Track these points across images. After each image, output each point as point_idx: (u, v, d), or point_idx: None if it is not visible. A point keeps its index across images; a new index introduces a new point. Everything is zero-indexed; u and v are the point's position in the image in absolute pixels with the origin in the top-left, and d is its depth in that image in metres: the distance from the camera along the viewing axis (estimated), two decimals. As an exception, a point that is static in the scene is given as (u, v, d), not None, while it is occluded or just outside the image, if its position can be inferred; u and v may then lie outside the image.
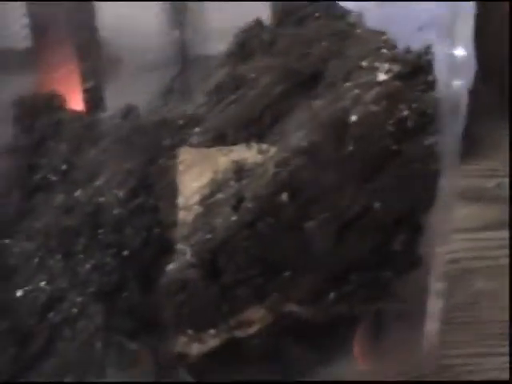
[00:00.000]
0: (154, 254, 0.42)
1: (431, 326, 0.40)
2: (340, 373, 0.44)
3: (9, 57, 0.49)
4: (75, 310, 0.43)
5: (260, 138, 0.38)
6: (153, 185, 0.44)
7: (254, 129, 0.39)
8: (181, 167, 0.38)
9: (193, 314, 0.37)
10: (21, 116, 0.47)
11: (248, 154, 0.38)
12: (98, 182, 0.45)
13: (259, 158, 0.37)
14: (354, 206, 0.35)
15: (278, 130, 0.37)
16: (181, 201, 0.38)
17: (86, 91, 0.50)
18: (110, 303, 0.43)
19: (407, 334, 0.43)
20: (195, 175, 0.38)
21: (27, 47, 0.50)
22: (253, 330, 0.37)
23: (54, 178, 0.46)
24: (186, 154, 0.38)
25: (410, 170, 0.35)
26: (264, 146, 0.38)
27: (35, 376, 0.41)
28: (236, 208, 0.36)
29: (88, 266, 0.44)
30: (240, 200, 0.36)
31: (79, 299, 0.43)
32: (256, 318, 0.37)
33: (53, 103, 0.48)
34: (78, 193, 0.45)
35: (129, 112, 0.48)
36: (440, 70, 0.39)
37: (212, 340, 0.37)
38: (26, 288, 0.43)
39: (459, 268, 0.56)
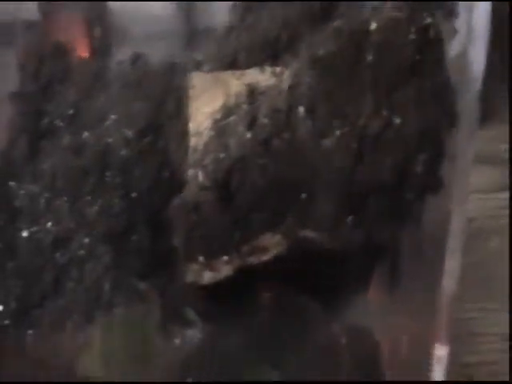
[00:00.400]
0: (163, 196, 0.40)
1: (447, 281, 0.38)
2: (354, 314, 0.42)
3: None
4: (82, 251, 0.41)
5: (274, 61, 0.37)
6: (162, 126, 0.43)
7: (267, 53, 0.37)
8: (192, 93, 0.37)
9: (205, 239, 0.35)
10: (27, 62, 0.46)
11: (261, 77, 0.36)
12: (107, 123, 0.44)
13: (273, 80, 0.36)
14: (373, 120, 0.34)
15: (293, 52, 0.36)
16: (192, 127, 0.37)
17: (93, 39, 0.49)
18: (119, 245, 0.42)
19: (423, 286, 0.42)
20: (207, 100, 0.37)
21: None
22: (267, 256, 0.35)
23: (61, 124, 0.45)
24: (197, 79, 0.37)
25: (433, 84, 0.33)
26: (278, 69, 0.36)
27: (43, 315, 0.39)
28: (250, 126, 0.34)
29: (95, 207, 0.43)
30: (254, 119, 0.34)
31: (87, 240, 0.42)
32: (270, 244, 0.35)
33: (60, 50, 0.47)
34: (85, 134, 0.44)
35: (137, 59, 0.46)
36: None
37: (224, 267, 0.35)
38: (32, 229, 0.42)
39: (474, 227, 0.56)
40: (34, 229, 0.42)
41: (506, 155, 0.62)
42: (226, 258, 0.35)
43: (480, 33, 0.37)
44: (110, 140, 0.43)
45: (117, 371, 0.37)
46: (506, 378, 0.47)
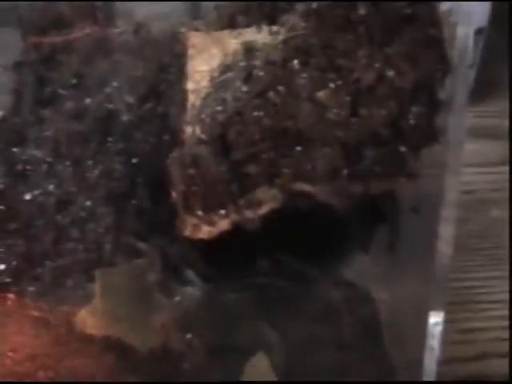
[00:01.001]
0: (163, 160, 0.41)
1: (442, 248, 0.38)
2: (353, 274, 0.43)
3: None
4: (83, 213, 0.42)
5: (271, 21, 0.38)
6: (163, 91, 0.44)
7: (265, 14, 0.38)
8: (190, 52, 0.38)
9: (202, 192, 0.36)
10: (29, 31, 0.47)
11: (258, 36, 0.37)
12: (108, 89, 0.45)
13: (270, 38, 0.36)
14: (367, 73, 0.34)
15: (290, 12, 0.37)
16: (190, 85, 0.37)
17: (96, 8, 0.49)
18: (119, 207, 0.43)
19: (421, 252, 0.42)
20: (205, 59, 0.37)
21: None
22: (263, 210, 0.35)
23: (63, 92, 0.46)
24: (195, 38, 0.38)
25: (425, 36, 0.34)
26: (275, 28, 0.37)
27: (44, 273, 0.40)
28: (246, 80, 0.35)
29: (97, 171, 0.43)
30: (250, 73, 0.35)
31: (88, 203, 0.42)
32: (267, 197, 0.36)
33: (62, 20, 0.48)
34: (87, 100, 0.44)
35: (139, 28, 0.47)
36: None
37: (221, 221, 0.36)
38: (35, 192, 0.43)
39: (475, 198, 0.57)
40: (36, 192, 0.42)
41: (507, 131, 0.62)
42: (223, 211, 0.35)
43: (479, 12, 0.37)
44: (111, 106, 0.43)
45: (117, 327, 0.38)
46: (506, 345, 0.47)
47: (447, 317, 0.46)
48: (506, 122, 0.64)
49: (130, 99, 0.43)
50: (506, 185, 0.58)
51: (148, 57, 0.44)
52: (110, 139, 0.43)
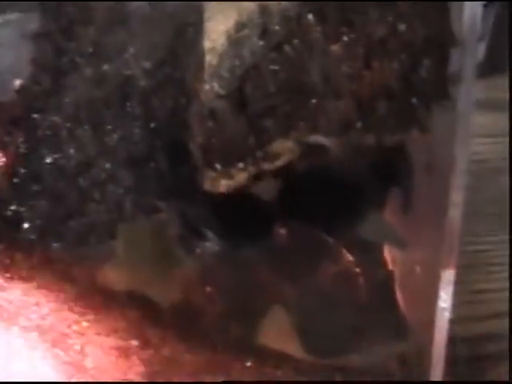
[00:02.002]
0: (181, 124, 0.42)
1: (453, 213, 0.40)
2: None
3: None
4: (104, 176, 0.44)
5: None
6: (180, 56, 0.45)
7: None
8: (206, 15, 0.39)
9: (221, 146, 0.37)
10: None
11: (273, -4, 0.38)
12: (126, 56, 0.46)
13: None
14: (379, 27, 0.36)
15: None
16: (207, 44, 0.39)
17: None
18: (139, 170, 0.44)
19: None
20: (221, 20, 0.39)
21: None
22: (280, 162, 0.37)
23: (81, 61, 0.47)
24: (211, 3, 0.39)
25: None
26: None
27: (67, 230, 0.42)
28: (262, 35, 0.36)
29: (116, 136, 0.45)
30: (266, 28, 0.36)
31: (108, 166, 0.44)
32: (283, 149, 0.37)
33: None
34: (105, 67, 0.46)
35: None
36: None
37: (240, 174, 0.37)
38: (56, 156, 0.44)
39: (486, 167, 0.58)
40: (57, 155, 0.44)
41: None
42: (241, 164, 0.36)
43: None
44: (129, 72, 0.45)
45: (139, 282, 0.39)
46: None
47: (460, 278, 0.48)
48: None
49: (147, 64, 0.44)
50: (514, 154, 0.60)
51: (164, 23, 0.45)
52: (128, 104, 0.44)
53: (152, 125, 0.44)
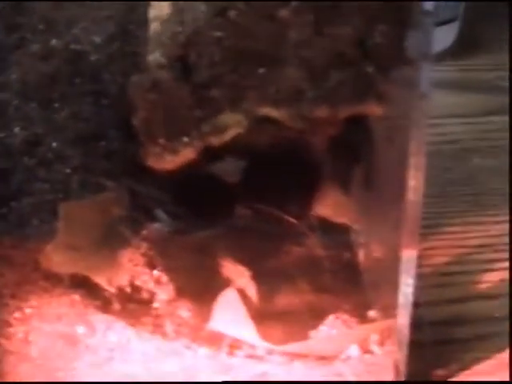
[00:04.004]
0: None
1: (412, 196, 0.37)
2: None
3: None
4: (51, 155, 0.41)
5: None
6: (131, 31, 0.42)
7: None
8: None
9: (164, 119, 0.34)
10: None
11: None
12: (75, 31, 0.43)
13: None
14: (330, -11, 0.32)
15: None
16: (152, 13, 0.36)
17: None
18: (88, 149, 0.41)
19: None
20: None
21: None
22: (228, 136, 0.34)
23: (31, 37, 0.45)
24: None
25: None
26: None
27: (9, 212, 0.39)
28: (206, -1, 0.33)
29: (64, 113, 0.42)
30: (210, -7, 0.33)
31: (55, 144, 0.41)
32: (231, 122, 0.34)
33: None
34: (54, 41, 0.43)
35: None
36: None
37: (185, 149, 0.34)
38: (1, 134, 0.41)
39: (457, 148, 0.56)
40: (3, 134, 0.41)
41: (496, 82, 0.61)
42: (186, 138, 0.33)
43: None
44: (78, 46, 0.42)
45: (83, 264, 0.36)
46: (486, 288, 0.46)
47: (428, 260, 0.45)
48: (490, 75, 0.63)
49: (98, 39, 0.41)
50: (488, 135, 0.58)
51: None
52: (77, 80, 0.41)
53: (103, 101, 0.41)
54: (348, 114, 0.34)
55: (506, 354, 0.41)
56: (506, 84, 0.62)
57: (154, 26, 0.36)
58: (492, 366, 0.41)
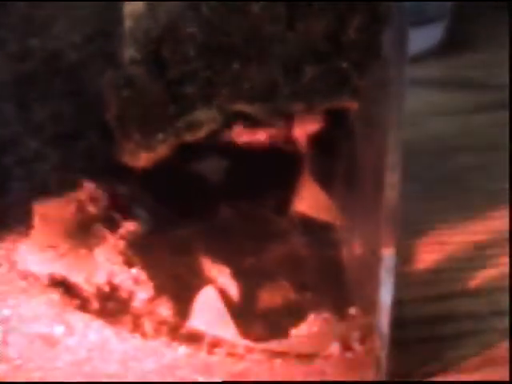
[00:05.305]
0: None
1: (389, 193, 0.37)
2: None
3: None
4: (29, 154, 0.41)
5: None
6: (110, 30, 0.42)
7: None
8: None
9: (138, 115, 0.34)
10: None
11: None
12: (54, 30, 0.43)
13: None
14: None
15: None
16: (127, 8, 0.36)
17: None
18: (67, 148, 0.41)
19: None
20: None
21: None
22: (203, 132, 0.34)
23: (9, 35, 0.45)
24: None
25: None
26: None
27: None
28: (179, -6, 0.33)
29: (43, 113, 0.42)
30: (183, -12, 0.33)
31: (34, 144, 0.41)
32: (206, 118, 0.34)
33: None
34: (32, 41, 0.43)
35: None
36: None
37: (160, 146, 0.34)
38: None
39: (444, 145, 0.56)
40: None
41: (482, 80, 0.62)
42: (161, 135, 0.33)
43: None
44: (57, 45, 0.42)
45: (60, 263, 0.37)
46: (472, 284, 0.46)
47: (413, 258, 0.45)
48: (477, 73, 0.64)
49: (77, 38, 0.41)
50: (475, 132, 0.57)
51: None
52: (56, 79, 0.41)
53: (81, 101, 0.41)
54: (323, 108, 0.34)
55: (490, 352, 0.41)
56: (491, 82, 0.62)
57: (128, 22, 0.36)
58: (477, 363, 0.41)
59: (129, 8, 0.36)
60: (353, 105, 0.34)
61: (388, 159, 0.36)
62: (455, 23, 0.69)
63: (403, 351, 0.41)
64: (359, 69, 0.34)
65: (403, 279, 0.40)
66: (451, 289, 0.46)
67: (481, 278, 0.46)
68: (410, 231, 0.47)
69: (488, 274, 0.46)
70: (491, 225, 0.49)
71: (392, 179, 0.35)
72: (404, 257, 0.43)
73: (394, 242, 0.37)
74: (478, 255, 0.48)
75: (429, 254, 0.48)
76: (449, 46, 0.69)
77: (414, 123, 0.54)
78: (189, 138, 0.34)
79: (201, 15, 0.33)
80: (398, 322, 0.39)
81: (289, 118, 0.35)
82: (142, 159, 0.35)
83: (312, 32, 0.33)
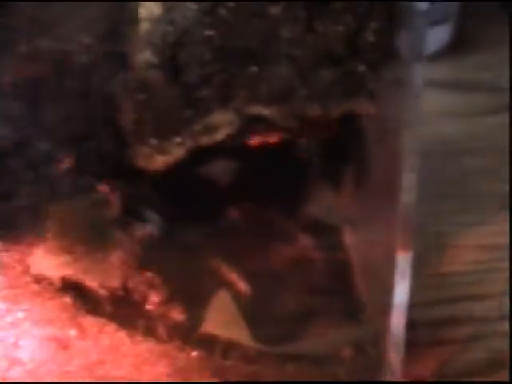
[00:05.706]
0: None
1: (406, 196, 0.37)
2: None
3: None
4: (40, 157, 0.41)
5: None
6: (122, 31, 0.42)
7: None
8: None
9: (155, 119, 0.34)
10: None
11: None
12: (64, 30, 0.43)
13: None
14: (321, -14, 0.33)
15: None
16: (142, 12, 0.36)
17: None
18: (78, 150, 0.41)
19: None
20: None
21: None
22: (220, 135, 0.34)
23: (17, 37, 0.45)
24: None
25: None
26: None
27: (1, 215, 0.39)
28: (195, -3, 0.33)
29: (54, 114, 0.42)
30: (200, -8, 0.33)
31: (44, 146, 0.41)
32: (222, 121, 0.34)
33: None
34: (43, 42, 0.43)
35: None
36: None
37: (177, 149, 0.34)
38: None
39: (450, 148, 0.56)
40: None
41: (490, 82, 0.62)
42: (178, 139, 0.33)
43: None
44: (68, 47, 0.42)
45: (74, 267, 0.36)
46: (480, 288, 0.46)
47: (422, 261, 0.45)
48: (484, 75, 0.64)
49: (88, 40, 0.41)
50: (482, 135, 0.57)
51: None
52: (67, 80, 0.41)
53: (94, 102, 0.41)
54: (339, 112, 0.34)
55: (500, 355, 0.41)
56: (501, 84, 0.62)
57: (144, 26, 0.36)
58: (487, 367, 0.41)
59: (144, 11, 0.36)
60: (369, 108, 0.34)
61: (405, 161, 0.36)
62: (463, 25, 0.69)
63: (415, 354, 0.41)
64: (375, 71, 0.34)
65: (413, 282, 0.40)
66: (461, 292, 0.46)
67: (491, 281, 0.46)
68: (418, 233, 0.47)
69: (498, 278, 0.46)
70: (500, 227, 0.49)
71: (409, 181, 0.35)
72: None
73: (409, 244, 0.37)
74: (487, 258, 0.48)
75: (437, 257, 0.48)
76: (456, 48, 0.69)
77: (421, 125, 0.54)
78: (205, 141, 0.34)
79: (218, 18, 0.33)
80: (407, 325, 0.39)
81: (303, 120, 0.35)
82: (158, 163, 0.34)
83: (330, 34, 0.33)
